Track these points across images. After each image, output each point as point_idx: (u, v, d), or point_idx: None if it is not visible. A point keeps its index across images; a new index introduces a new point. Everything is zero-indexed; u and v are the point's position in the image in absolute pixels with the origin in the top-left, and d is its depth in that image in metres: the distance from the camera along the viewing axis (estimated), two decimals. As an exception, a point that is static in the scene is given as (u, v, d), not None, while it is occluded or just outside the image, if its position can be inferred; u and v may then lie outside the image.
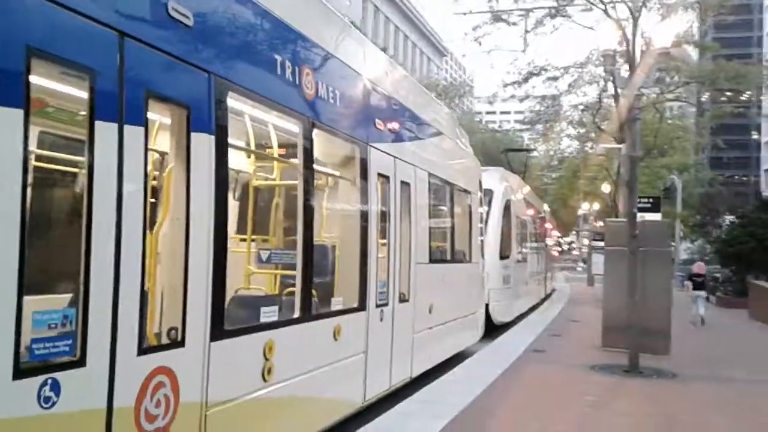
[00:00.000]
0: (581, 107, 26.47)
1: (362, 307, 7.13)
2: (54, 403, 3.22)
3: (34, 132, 3.54)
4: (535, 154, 42.52)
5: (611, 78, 18.60)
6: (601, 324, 15.38)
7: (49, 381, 3.20)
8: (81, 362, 3.39)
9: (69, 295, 3.60)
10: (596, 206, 44.47)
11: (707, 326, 17.51)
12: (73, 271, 3.45)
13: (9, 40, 3.06)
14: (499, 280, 16.12)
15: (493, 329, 14.69)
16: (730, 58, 24.20)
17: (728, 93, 28.27)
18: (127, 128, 3.70)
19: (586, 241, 55.99)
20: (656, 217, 21.14)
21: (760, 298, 20.83)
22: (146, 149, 3.89)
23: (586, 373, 10.37)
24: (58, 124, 4.23)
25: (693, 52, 26.71)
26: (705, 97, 34.37)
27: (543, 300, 25.32)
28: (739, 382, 10.30)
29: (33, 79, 3.20)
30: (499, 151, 28.71)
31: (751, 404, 8.78)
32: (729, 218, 37.35)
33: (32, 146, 3.52)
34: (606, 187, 34.94)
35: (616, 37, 16.13)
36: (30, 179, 3.34)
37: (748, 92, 29.79)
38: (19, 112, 3.08)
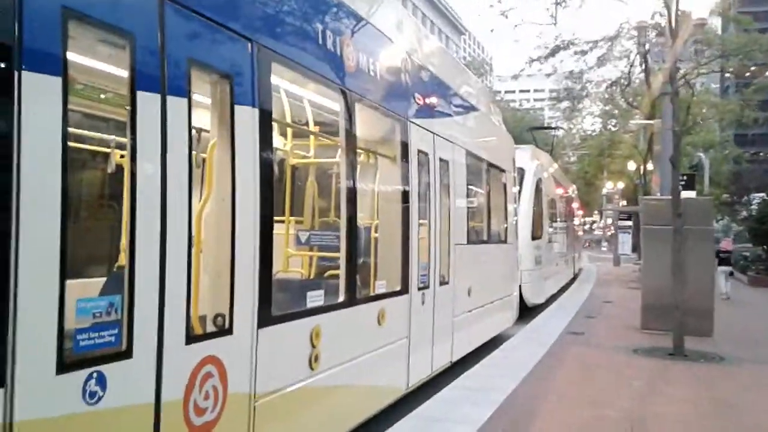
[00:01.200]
0: (609, 82, 25.76)
1: (405, 290, 6.88)
2: (100, 399, 2.99)
3: (75, 103, 3.22)
4: (558, 132, 41.81)
5: (645, 51, 18.11)
6: (636, 305, 15.09)
7: (95, 375, 2.97)
8: (127, 353, 3.15)
9: (113, 281, 3.38)
10: (620, 185, 43.83)
11: (742, 305, 17.08)
12: (117, 255, 3.24)
13: (45, 1, 2.78)
14: (532, 261, 15.83)
15: (525, 311, 14.41)
16: (763, 31, 23.51)
17: (753, 68, 27.54)
18: (170, 99, 3.40)
19: (609, 221, 55.39)
20: (691, 194, 20.57)
21: (796, 277, 20.31)
22: (190, 124, 3.58)
23: (629, 356, 10.01)
24: (97, 95, 3.89)
25: (719, 26, 26.06)
26: (728, 72, 33.56)
27: (572, 280, 24.98)
28: (789, 365, 9.92)
29: (71, 44, 2.90)
30: (519, 130, 28.10)
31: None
32: (759, 196, 36.60)
33: (73, 120, 3.17)
34: (632, 165, 34.35)
35: (651, 8, 15.63)
36: (72, 157, 3.07)
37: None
38: (58, 80, 2.80)
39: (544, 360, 9.25)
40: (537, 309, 15.73)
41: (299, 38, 4.96)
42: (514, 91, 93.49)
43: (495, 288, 11.21)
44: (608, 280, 26.07)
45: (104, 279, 3.49)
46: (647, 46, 18.17)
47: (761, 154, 72.84)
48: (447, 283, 8.31)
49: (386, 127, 6.82)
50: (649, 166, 26.85)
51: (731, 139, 51.02)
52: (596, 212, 70.49)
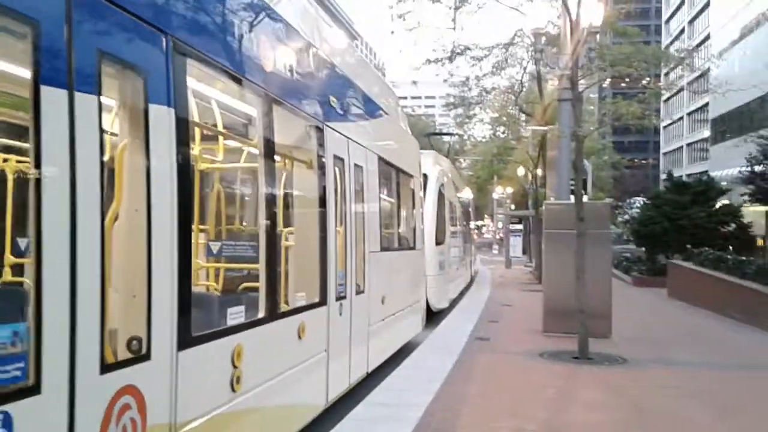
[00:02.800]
0: (503, 88, 26.23)
1: (323, 301, 6.60)
2: None
3: None
4: (453, 138, 42.47)
5: (539, 58, 18.47)
6: (535, 308, 15.28)
7: (4, 417, 2.55)
8: (36, 389, 2.71)
9: (15, 305, 2.95)
10: (509, 190, 45.09)
11: (630, 305, 17.67)
12: (19, 275, 2.78)
13: None
14: (436, 266, 15.77)
15: (431, 316, 14.38)
16: (633, 44, 24.67)
17: (627, 79, 28.92)
18: (78, 95, 3.01)
19: (500, 225, 56.89)
20: (583, 198, 21.17)
21: (677, 277, 21.33)
22: (100, 123, 3.18)
23: (536, 361, 9.96)
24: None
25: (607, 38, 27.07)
26: (606, 83, 35.12)
27: (469, 284, 25.33)
28: (687, 366, 10.18)
29: None
30: (422, 136, 28.18)
31: (710, 389, 8.62)
32: (639, 200, 38.54)
33: None
34: (521, 170, 35.30)
35: (545, 17, 15.89)
36: None
37: (647, 78, 30.60)
38: None
39: (454, 370, 9.00)
40: (441, 313, 15.66)
41: (216, 32, 4.61)
42: (406, 97, 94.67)
43: (406, 295, 11.14)
44: (503, 283, 26.53)
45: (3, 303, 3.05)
46: (542, 53, 18.55)
47: (636, 160, 77.39)
48: (362, 292, 8.13)
49: (303, 131, 6.51)
50: (539, 172, 27.64)
51: (610, 146, 53.67)
52: (486, 216, 72.37)
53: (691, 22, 69.40)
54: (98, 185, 3.17)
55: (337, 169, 7.24)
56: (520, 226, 41.54)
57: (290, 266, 6.22)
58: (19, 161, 3.36)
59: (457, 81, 25.15)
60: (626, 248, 35.49)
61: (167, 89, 3.82)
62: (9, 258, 3.07)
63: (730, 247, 23.38)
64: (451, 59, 21.80)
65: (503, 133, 39.19)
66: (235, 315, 4.74)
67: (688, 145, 70.37)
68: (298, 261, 6.38)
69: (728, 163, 47.05)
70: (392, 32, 21.17)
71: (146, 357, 3.51)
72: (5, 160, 3.29)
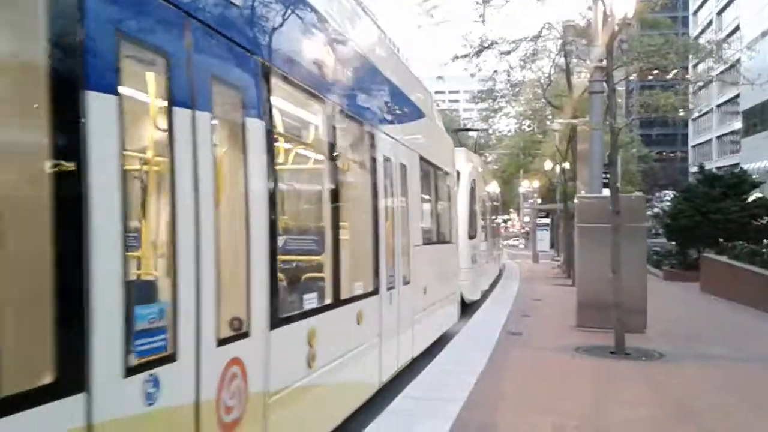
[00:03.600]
0: (533, 81, 25.97)
1: (376, 291, 7.24)
2: (155, 400, 3.20)
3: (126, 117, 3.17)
4: (480, 134, 42.23)
5: (569, 51, 18.27)
6: (566, 302, 15.18)
7: (151, 377, 3.19)
8: (174, 357, 3.39)
9: (161, 290, 3.58)
10: (536, 184, 44.74)
11: (664, 300, 17.41)
12: (167, 264, 3.51)
13: (101, 25, 2.97)
14: (469, 259, 16.19)
15: (464, 308, 14.52)
16: (665, 39, 24.25)
17: (655, 71, 28.47)
18: (198, 114, 3.66)
19: (526, 219, 56.53)
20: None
21: (711, 271, 20.99)
22: (212, 135, 3.83)
23: (571, 356, 9.85)
24: (136, 109, 3.69)
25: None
26: (633, 76, 34.63)
27: (498, 277, 25.49)
28: (725, 360, 9.97)
29: (121, 62, 3.11)
30: (449, 131, 28.14)
31: (748, 383, 8.47)
32: (669, 193, 37.99)
33: (124, 132, 3.19)
34: (548, 164, 34.99)
35: (575, 9, 15.63)
36: (127, 169, 3.37)
37: (675, 70, 30.11)
38: (114, 98, 3.00)
39: (489, 365, 8.94)
40: (473, 305, 15.87)
41: (296, 55, 5.32)
42: (444, 92, 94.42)
43: (444, 286, 11.67)
44: (531, 277, 26.35)
45: (154, 288, 3.66)
46: (571, 46, 18.35)
47: (664, 153, 76.40)
48: (408, 282, 8.73)
49: (358, 136, 7.10)
50: (567, 165, 27.36)
51: (638, 139, 53.02)
52: (512, 210, 71.95)
53: (719, 13, 68.22)
54: (213, 190, 3.80)
55: (386, 169, 7.84)
56: (547, 220, 41.18)
57: (350, 258, 6.55)
58: (150, 170, 3.87)
59: (485, 75, 24.94)
60: (656, 242, 35.02)
61: (258, 104, 4.48)
62: (151, 252, 3.77)
63: (765, 241, 22.92)
64: (478, 54, 21.63)
65: (529, 126, 38.92)
66: (309, 301, 5.46)
67: (718, 137, 69.28)
68: (356, 253, 6.78)
69: (760, 156, 46.30)
70: (419, 26, 20.96)
71: (247, 335, 4.15)
72: (144, 170, 3.85)
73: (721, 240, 22.80)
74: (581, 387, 7.93)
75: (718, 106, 65.93)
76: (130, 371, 3.03)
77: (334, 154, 6.12)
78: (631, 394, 7.64)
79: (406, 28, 26.21)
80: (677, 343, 11.25)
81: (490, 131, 47.18)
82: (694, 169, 47.08)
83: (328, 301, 5.77)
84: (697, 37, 49.45)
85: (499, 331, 11.87)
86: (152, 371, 3.18)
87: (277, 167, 5.00)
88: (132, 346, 3.09)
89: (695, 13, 79.19)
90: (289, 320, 4.87)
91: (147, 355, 3.20)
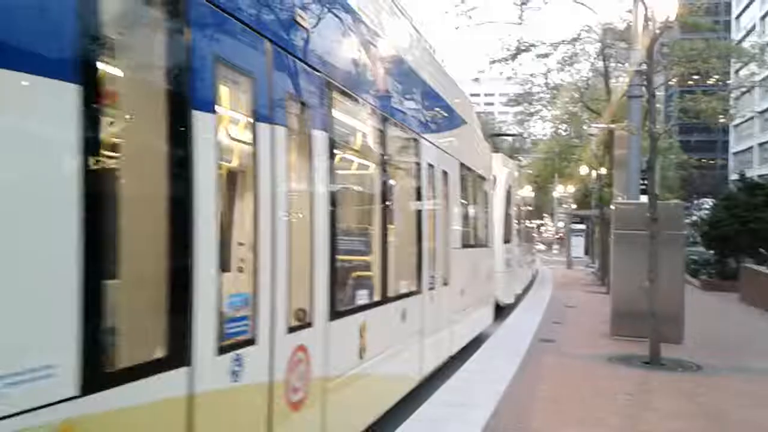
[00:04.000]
0: (566, 85, 25.63)
1: (419, 290, 7.68)
2: (238, 377, 3.65)
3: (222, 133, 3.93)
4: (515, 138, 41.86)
5: (608, 54, 17.99)
6: (599, 310, 14.92)
7: (237, 357, 3.64)
8: (254, 341, 3.87)
9: (244, 281, 4.05)
10: (571, 189, 44.15)
11: (702, 310, 16.99)
12: (249, 260, 3.97)
13: (203, 52, 3.44)
14: (504, 263, 16.36)
15: (497, 311, 14.60)
16: (706, 40, 23.78)
17: (696, 76, 27.88)
18: (277, 128, 4.20)
19: (561, 224, 55.89)
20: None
21: (750, 282, 20.44)
22: (287, 146, 4.33)
23: (605, 365, 9.65)
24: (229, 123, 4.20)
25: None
26: (673, 80, 33.97)
27: (531, 282, 25.35)
28: (764, 374, 9.69)
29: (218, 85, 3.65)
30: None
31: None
32: (708, 201, 37.17)
33: (221, 146, 3.83)
34: (584, 169, 34.47)
35: (616, 12, 15.40)
36: (224, 178, 4.08)
37: (716, 76, 29.50)
38: (212, 116, 3.49)
39: (520, 372, 8.80)
40: (506, 309, 15.87)
41: (355, 73, 5.87)
42: (478, 95, 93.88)
43: (479, 288, 12.06)
44: (565, 284, 26.00)
45: (240, 280, 4.14)
46: (611, 49, 18.06)
47: (704, 160, 74.92)
48: (447, 284, 9.10)
49: (407, 145, 7.58)
50: (603, 170, 26.92)
51: (676, 145, 52.04)
52: (546, 215, 71.24)
53: (763, 17, 66.76)
54: (287, 196, 4.32)
55: (429, 175, 8.29)
56: (582, 226, 40.63)
57: (397, 259, 6.91)
58: (238, 177, 4.40)
59: (521, 78, 24.69)
60: (694, 251, 34.27)
61: (323, 117, 4.98)
62: (238, 249, 4.27)
63: (808, 252, 22.27)
64: (515, 56, 21.40)
65: (565, 131, 38.41)
66: (362, 297, 6.03)
67: (760, 144, 67.76)
68: (401, 255, 7.14)
69: (804, 164, 45.09)
70: (457, 28, 20.79)
71: (310, 324, 4.62)
72: (234, 177, 4.36)
73: (761, 250, 22.18)
74: (614, 397, 7.74)
75: (761, 112, 64.44)
76: (222, 350, 3.50)
77: (385, 162, 6.67)
78: (666, 406, 7.43)
79: (443, 29, 25.95)
80: (715, 354, 10.95)
81: (525, 135, 46.73)
82: (734, 176, 46.02)
83: (377, 298, 6.26)
84: (739, 42, 48.44)
85: (530, 337, 11.70)
86: (237, 352, 3.66)
87: (337, 174, 5.44)
88: (223, 329, 3.58)
89: (738, 17, 77.67)
90: (344, 314, 5.37)
91: (233, 337, 3.70)
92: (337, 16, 5.65)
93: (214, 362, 3.43)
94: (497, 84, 38.01)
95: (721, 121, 16.36)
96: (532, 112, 31.33)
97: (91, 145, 2.64)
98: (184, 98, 3.26)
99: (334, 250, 5.07)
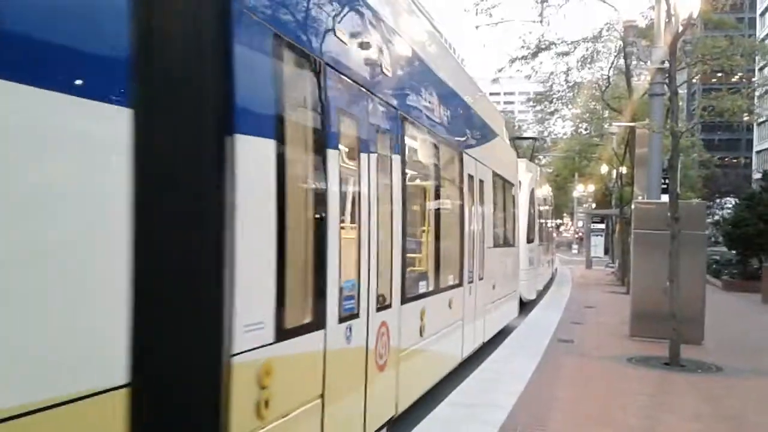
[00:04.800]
0: (587, 83, 25.42)
1: (461, 283, 9.02)
2: (349, 341, 5.01)
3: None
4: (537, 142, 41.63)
5: (630, 52, 17.80)
6: (619, 310, 14.80)
7: (349, 326, 5.00)
8: (358, 315, 5.20)
9: (352, 272, 5.20)
10: (590, 188, 43.83)
11: (723, 311, 16.79)
12: (355, 255, 5.22)
13: (327, 105, 4.69)
14: (527, 261, 17.71)
15: (520, 306, 15.47)
16: (729, 37, 23.38)
17: (719, 74, 27.47)
18: (370, 154, 5.64)
19: (580, 223, 55.47)
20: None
21: (774, 283, 20.18)
22: (378, 167, 5.77)
23: (624, 366, 9.57)
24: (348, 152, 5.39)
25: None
26: (696, 78, 33.51)
27: (551, 279, 26.24)
28: (788, 377, 9.54)
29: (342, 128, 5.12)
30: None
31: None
32: (731, 200, 36.66)
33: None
34: (605, 168, 34.21)
35: (637, 9, 15.20)
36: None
37: (740, 73, 29.08)
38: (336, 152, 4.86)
39: (538, 372, 8.75)
40: (528, 306, 16.61)
41: (421, 106, 7.43)
42: (498, 93, 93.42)
43: (507, 284, 13.38)
44: (584, 284, 25.83)
45: (351, 269, 5.18)
46: (632, 47, 17.86)
47: (727, 158, 74.03)
48: (482, 278, 10.46)
49: (454, 160, 9.12)
50: (624, 169, 26.69)
51: (699, 144, 51.44)
52: (565, 215, 70.77)
53: (790, 14, 65.73)
54: (377, 206, 5.70)
55: (469, 184, 9.67)
56: (601, 226, 40.33)
57: (445, 256, 8.28)
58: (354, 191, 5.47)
59: (541, 77, 24.51)
60: (716, 250, 33.86)
61: (399, 144, 6.39)
62: (350, 245, 5.19)
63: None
64: (535, 55, 21.25)
65: (585, 129, 38.12)
66: (422, 287, 7.34)
67: (784, 143, 66.77)
68: (448, 252, 8.50)
69: (829, 163, 44.36)
70: (477, 27, 20.70)
71: (390, 306, 6.02)
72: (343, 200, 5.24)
73: (785, 250, 21.89)
74: (634, 398, 7.67)
75: (786, 111, 63.50)
76: (341, 320, 4.80)
77: (438, 175, 8.13)
78: (686, 408, 7.34)
79: (463, 27, 25.89)
80: (736, 356, 10.82)
81: (545, 133, 46.46)
82: (757, 175, 45.31)
83: (431, 288, 7.62)
84: (764, 39, 47.76)
85: (549, 337, 11.63)
86: (349, 322, 4.98)
87: (407, 187, 6.66)
88: (342, 305, 4.85)
89: (762, 14, 76.54)
90: (411, 299, 6.70)
91: (347, 311, 4.97)
92: (417, 68, 7.38)
93: (338, 328, 4.76)
94: (517, 82, 37.78)
95: (746, 119, 16.08)
96: (552, 111, 31.10)
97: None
98: (326, 144, 4.70)
99: (404, 248, 6.44)
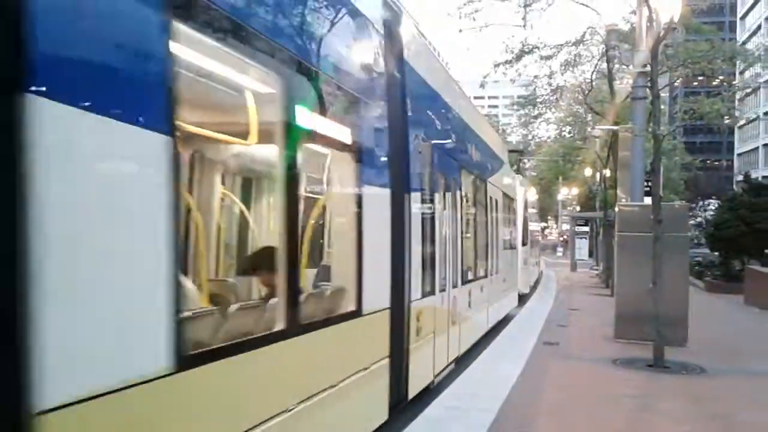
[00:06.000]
0: (570, 87, 25.62)
1: (486, 275, 12.96)
2: (443, 304, 8.73)
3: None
4: (520, 138, 41.88)
5: (611, 56, 17.96)
6: (603, 313, 14.89)
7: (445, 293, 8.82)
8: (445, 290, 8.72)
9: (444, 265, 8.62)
10: (575, 191, 44.10)
11: (706, 312, 16.94)
12: (440, 253, 8.47)
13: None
14: (523, 261, 21.87)
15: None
16: (710, 41, 23.64)
17: (700, 77, 27.78)
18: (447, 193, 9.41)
19: (565, 226, 55.78)
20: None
21: (756, 283, 20.38)
22: (454, 201, 9.87)
23: (609, 368, 9.63)
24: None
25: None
26: (677, 82, 33.81)
27: (539, 277, 29.79)
28: (769, 376, 9.65)
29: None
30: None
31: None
32: (713, 202, 37.04)
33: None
34: (588, 171, 34.47)
35: (619, 13, 15.33)
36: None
37: (721, 77, 29.43)
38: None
39: (524, 374, 8.78)
40: (522, 299, 19.39)
41: (469, 158, 11.56)
42: (483, 98, 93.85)
43: (511, 278, 17.61)
44: (569, 286, 25.98)
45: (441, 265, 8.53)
46: (615, 51, 18.02)
47: (708, 161, 74.76)
48: (498, 273, 14.49)
49: (480, 186, 12.74)
50: (607, 172, 26.89)
51: (681, 147, 51.89)
52: (550, 218, 71.15)
53: (768, 18, 66.63)
54: (452, 227, 9.65)
55: (490, 203, 13.63)
56: (586, 228, 40.57)
57: (479, 256, 12.39)
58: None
59: (525, 81, 24.68)
60: (699, 252, 34.20)
61: (460, 186, 10.14)
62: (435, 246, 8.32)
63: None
64: (519, 58, 21.40)
65: (569, 133, 38.37)
66: (470, 276, 11.11)
67: (765, 145, 67.62)
68: (479, 253, 12.44)
69: (809, 165, 44.93)
70: (460, 30, 20.80)
71: (456, 286, 9.62)
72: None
73: (766, 251, 22.13)
74: (619, 400, 7.72)
75: (766, 113, 64.28)
76: (441, 291, 8.38)
77: (476, 199, 12.12)
78: (670, 409, 7.39)
79: (447, 32, 25.95)
80: (719, 357, 10.91)
81: (530, 137, 46.70)
82: (739, 177, 45.85)
83: (472, 277, 11.40)
84: (744, 43, 48.33)
85: (534, 340, 11.68)
86: (442, 293, 8.35)
87: (465, 211, 10.62)
88: (441, 283, 8.33)
89: (743, 18, 77.52)
90: (466, 283, 10.48)
91: (442, 287, 8.43)
92: (469, 135, 11.77)
93: (439, 295, 8.21)
94: (501, 86, 37.96)
95: (726, 122, 16.30)
96: (536, 115, 31.30)
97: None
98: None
99: (462, 251, 10.19)
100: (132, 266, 2.72)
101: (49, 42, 2.29)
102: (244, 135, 4.59)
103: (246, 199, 6.66)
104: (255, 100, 4.42)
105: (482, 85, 23.72)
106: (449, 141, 9.52)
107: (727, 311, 19.14)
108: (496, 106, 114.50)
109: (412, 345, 6.85)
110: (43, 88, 2.24)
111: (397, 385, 6.32)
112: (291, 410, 4.03)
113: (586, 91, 24.99)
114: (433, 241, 7.96)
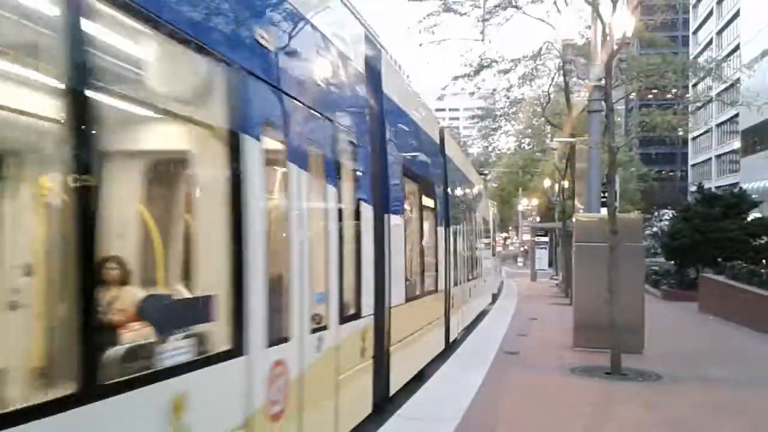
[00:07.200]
0: (528, 100, 26.06)
1: (478, 277, 19.02)
2: (445, 295, 13.00)
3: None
4: (481, 150, 42.37)
5: (568, 70, 18.33)
6: (562, 322, 15.10)
7: (456, 288, 14.37)
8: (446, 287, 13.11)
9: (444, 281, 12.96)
10: (534, 202, 44.72)
11: (662, 320, 17.31)
12: (445, 263, 12.83)
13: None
14: (493, 267, 27.37)
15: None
16: (662, 55, 24.32)
17: (654, 90, 28.52)
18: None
19: (525, 237, 56.46)
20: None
21: (709, 291, 20.92)
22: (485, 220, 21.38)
23: (568, 377, 9.78)
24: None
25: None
26: (632, 94, 34.62)
27: (501, 283, 32.79)
28: (723, 382, 9.88)
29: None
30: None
31: (747, 406, 8.33)
32: (668, 212, 37.85)
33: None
34: (547, 182, 35.00)
35: (575, 29, 15.74)
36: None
37: (674, 89, 30.26)
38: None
39: (485, 384, 8.86)
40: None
41: (465, 200, 17.67)
42: (444, 109, 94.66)
43: (491, 280, 24.48)
44: (529, 296, 26.29)
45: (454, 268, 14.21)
46: (571, 65, 18.41)
47: (663, 172, 76.45)
48: (482, 276, 20.50)
49: (473, 217, 18.59)
50: (566, 183, 27.36)
51: (636, 158, 52.98)
52: (510, 228, 71.93)
53: (719, 32, 68.59)
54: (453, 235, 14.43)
55: (479, 227, 20.50)
56: (546, 239, 41.18)
57: (473, 264, 18.25)
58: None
59: (484, 93, 25.03)
60: (655, 261, 34.93)
61: (471, 219, 18.67)
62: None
63: (764, 261, 22.85)
64: (477, 72, 21.71)
65: (528, 145, 38.98)
66: (468, 277, 16.51)
67: (717, 156, 69.43)
68: (474, 260, 18.28)
69: (760, 175, 46.33)
70: (420, 45, 21.02)
71: (456, 284, 14.06)
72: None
73: (719, 260, 22.72)
74: (577, 408, 7.85)
75: (718, 125, 66.07)
76: (445, 287, 12.37)
77: (474, 225, 18.96)
78: (626, 416, 7.56)
79: (407, 47, 26.22)
80: (675, 364, 11.16)
81: (490, 149, 47.26)
82: (693, 188, 47.08)
83: (470, 277, 16.56)
84: (696, 57, 49.66)
85: (495, 350, 11.79)
86: (455, 287, 13.78)
87: (470, 235, 17.99)
88: (445, 281, 12.47)
89: (695, 32, 79.64)
90: (466, 281, 15.85)
91: (446, 284, 12.54)
92: (472, 188, 19.05)
93: (444, 291, 12.16)
94: (462, 99, 38.44)
95: (679, 134, 16.78)
96: (495, 128, 31.74)
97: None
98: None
99: (463, 258, 15.19)
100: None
101: None
102: None
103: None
104: None
105: (440, 98, 23.97)
106: (466, 194, 17.23)
107: (682, 319, 19.57)
108: (457, 118, 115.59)
109: (460, 308, 14.38)
110: None
111: (447, 333, 12.39)
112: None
113: (544, 104, 25.44)
114: (456, 253, 13.87)
